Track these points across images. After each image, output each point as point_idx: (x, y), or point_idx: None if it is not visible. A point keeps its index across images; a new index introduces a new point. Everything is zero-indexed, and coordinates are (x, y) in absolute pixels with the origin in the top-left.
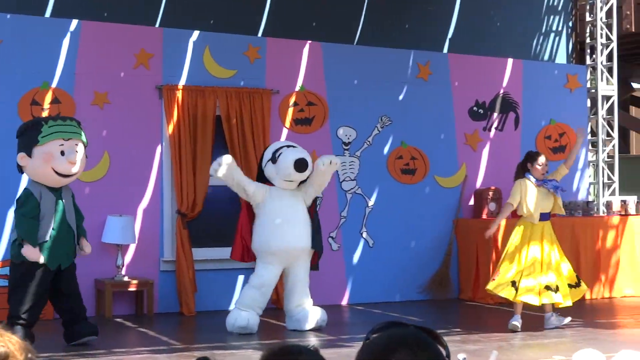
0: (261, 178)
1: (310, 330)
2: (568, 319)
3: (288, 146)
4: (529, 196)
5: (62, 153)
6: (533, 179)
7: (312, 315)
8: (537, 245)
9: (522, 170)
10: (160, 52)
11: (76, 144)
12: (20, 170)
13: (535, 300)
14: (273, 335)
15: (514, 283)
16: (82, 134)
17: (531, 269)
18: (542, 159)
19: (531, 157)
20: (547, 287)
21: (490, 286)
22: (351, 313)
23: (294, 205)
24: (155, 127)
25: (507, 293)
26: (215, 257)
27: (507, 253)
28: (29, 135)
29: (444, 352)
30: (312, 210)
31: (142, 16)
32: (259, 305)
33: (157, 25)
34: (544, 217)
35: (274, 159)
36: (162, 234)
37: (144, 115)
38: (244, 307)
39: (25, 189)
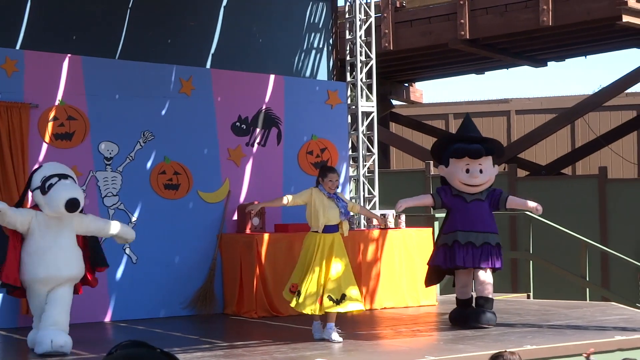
0: (20, 197)
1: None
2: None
3: (59, 176)
4: (319, 207)
5: None
6: (325, 192)
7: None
8: (325, 256)
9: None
10: None
11: None
12: None
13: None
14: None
15: (317, 296)
16: None
17: (326, 278)
18: (333, 176)
19: (322, 172)
20: (329, 297)
21: (293, 304)
22: (114, 330)
23: (61, 232)
24: None
25: (312, 309)
26: None
27: (304, 266)
28: None
29: None
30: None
31: None
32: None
33: None
34: (332, 229)
35: (43, 190)
36: None
37: None
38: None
39: None
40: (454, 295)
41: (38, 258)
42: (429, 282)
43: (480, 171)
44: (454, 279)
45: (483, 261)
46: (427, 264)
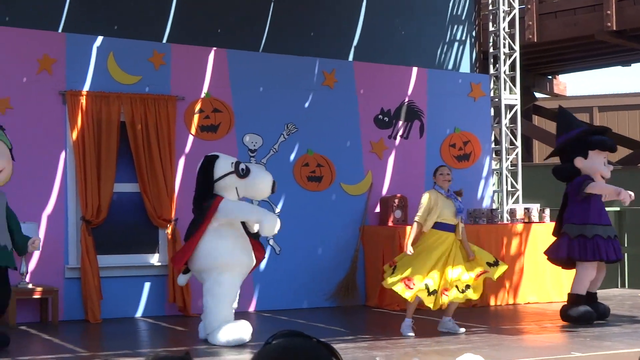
0: (204, 187)
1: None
2: (463, 330)
3: (239, 161)
4: (433, 205)
5: None
6: (441, 190)
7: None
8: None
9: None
10: (63, 57)
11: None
12: None
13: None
14: (183, 343)
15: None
16: (6, 138)
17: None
18: (443, 169)
19: (435, 170)
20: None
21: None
22: (258, 320)
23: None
24: (59, 133)
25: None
26: (120, 264)
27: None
28: None
29: None
30: None
31: (45, 21)
32: None
33: (60, 30)
34: (448, 228)
35: (240, 173)
36: (66, 240)
37: (47, 121)
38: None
39: None
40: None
41: (236, 243)
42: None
43: None
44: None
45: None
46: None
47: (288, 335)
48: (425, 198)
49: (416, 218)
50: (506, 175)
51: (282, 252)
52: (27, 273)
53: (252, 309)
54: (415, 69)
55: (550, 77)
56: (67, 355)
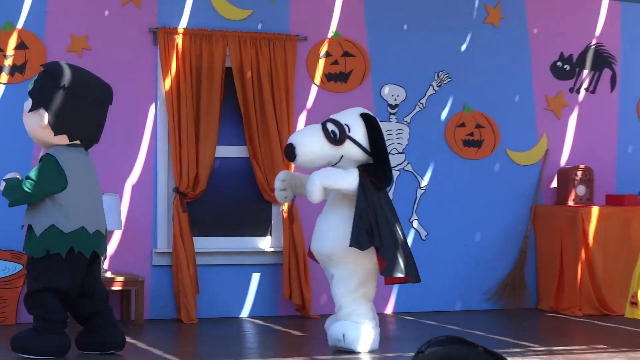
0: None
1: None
2: None
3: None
4: None
5: None
6: None
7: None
8: None
9: None
10: None
11: None
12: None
13: None
14: (302, 352)
15: None
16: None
17: None
18: None
19: None
20: None
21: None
22: (398, 325)
23: None
24: (148, 81)
25: None
26: (223, 249)
27: None
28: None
29: None
30: None
31: None
32: None
33: None
34: None
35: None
36: (155, 218)
37: (133, 65)
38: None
39: None
40: None
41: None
42: None
43: None
44: None
45: None
46: None
47: (446, 343)
48: None
49: None
50: None
51: (429, 238)
52: (105, 258)
53: (389, 310)
54: (605, 3)
55: None
56: None
